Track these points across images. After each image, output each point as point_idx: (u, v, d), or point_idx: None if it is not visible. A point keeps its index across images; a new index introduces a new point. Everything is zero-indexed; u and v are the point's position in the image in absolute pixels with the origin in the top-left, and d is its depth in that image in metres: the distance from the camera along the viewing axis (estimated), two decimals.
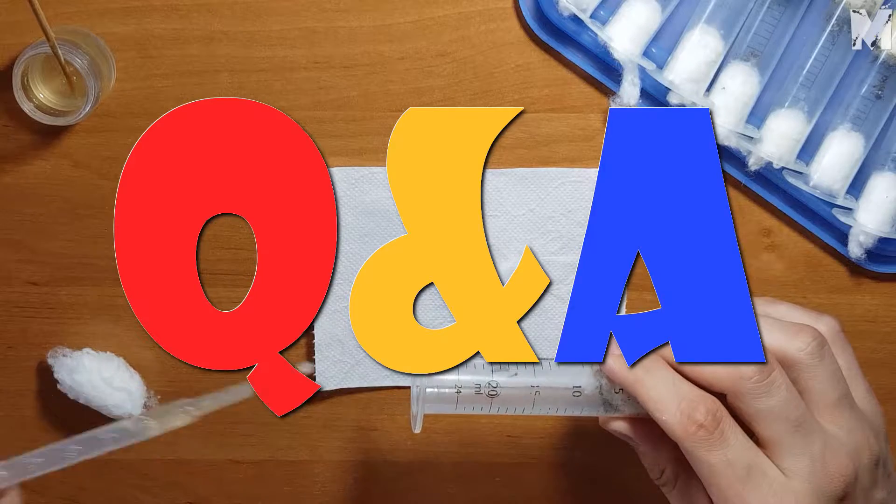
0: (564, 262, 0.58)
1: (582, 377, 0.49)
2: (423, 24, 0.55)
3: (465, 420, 0.61)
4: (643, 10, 0.53)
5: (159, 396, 0.60)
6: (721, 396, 0.45)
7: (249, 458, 0.61)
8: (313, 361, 0.59)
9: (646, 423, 0.48)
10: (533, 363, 0.50)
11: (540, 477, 0.62)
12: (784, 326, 0.47)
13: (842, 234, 0.57)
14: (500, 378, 0.49)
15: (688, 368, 0.46)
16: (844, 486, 0.44)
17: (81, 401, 0.58)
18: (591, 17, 0.53)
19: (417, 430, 0.49)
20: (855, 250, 0.56)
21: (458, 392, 0.48)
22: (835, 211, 0.55)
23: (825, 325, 0.49)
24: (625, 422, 0.49)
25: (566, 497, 0.62)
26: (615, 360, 0.48)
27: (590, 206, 0.57)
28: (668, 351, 0.47)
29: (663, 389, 0.45)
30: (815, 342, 0.46)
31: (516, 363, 0.49)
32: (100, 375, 0.57)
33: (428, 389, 0.48)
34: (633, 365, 0.47)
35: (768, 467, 0.44)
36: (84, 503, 0.62)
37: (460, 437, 0.61)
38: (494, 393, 0.48)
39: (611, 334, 0.49)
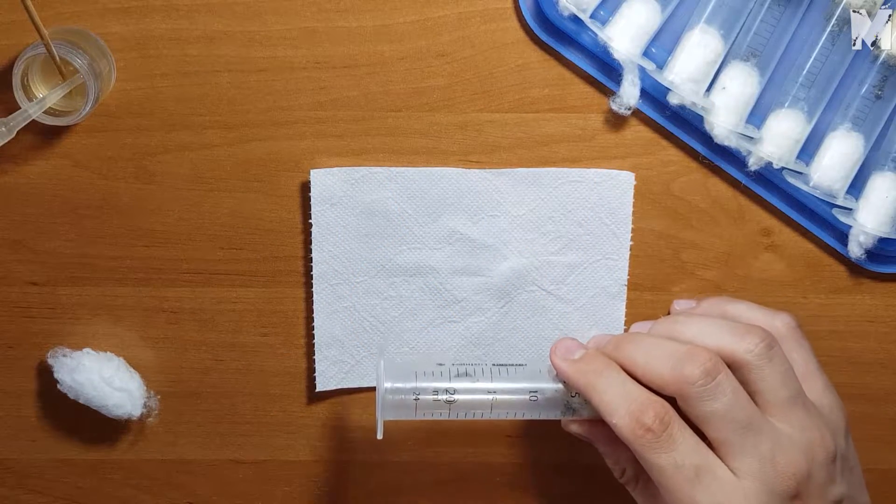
0: (564, 262, 0.58)
1: (539, 382, 0.50)
2: (423, 24, 0.54)
3: (464, 420, 0.61)
4: (643, 10, 0.53)
5: (159, 396, 0.60)
6: (673, 400, 0.46)
7: (249, 458, 0.61)
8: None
9: (604, 424, 0.48)
10: (492, 368, 0.51)
11: (540, 477, 0.62)
12: (732, 328, 0.47)
13: (842, 234, 0.57)
14: (459, 384, 0.50)
15: (639, 372, 0.47)
16: (796, 484, 0.44)
17: (81, 401, 0.58)
18: (591, 17, 0.53)
19: (380, 437, 0.50)
20: (855, 250, 0.56)
21: (416, 399, 0.49)
22: (835, 211, 0.55)
23: (781, 322, 0.49)
24: (583, 424, 0.50)
25: (566, 497, 0.62)
26: (568, 364, 0.48)
27: (589, 206, 0.57)
28: (621, 354, 0.48)
29: (614, 393, 0.46)
30: (763, 343, 0.46)
31: (475, 369, 0.50)
32: (100, 375, 0.57)
33: (387, 396, 0.49)
34: (586, 368, 0.48)
35: (718, 468, 0.44)
36: (84, 503, 0.62)
37: (460, 437, 0.61)
38: (452, 399, 0.49)
39: (563, 338, 0.50)
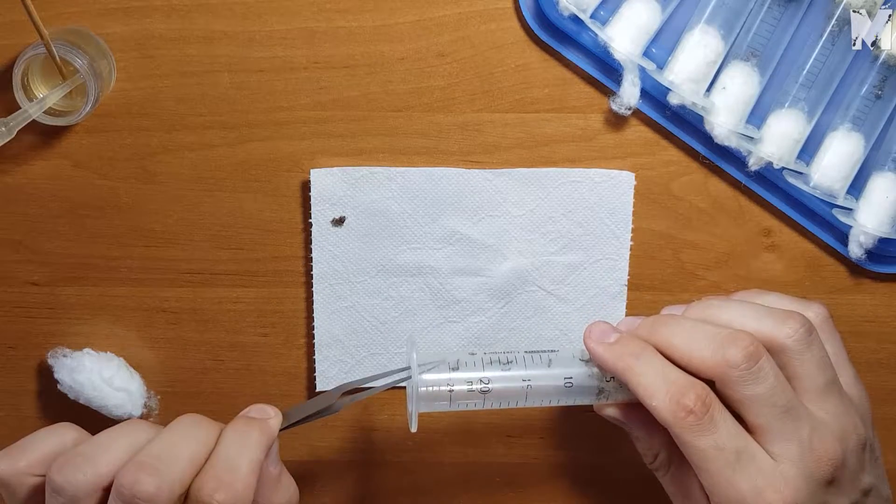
0: (564, 262, 0.58)
1: (573, 367, 0.49)
2: (423, 24, 0.54)
3: (464, 420, 0.61)
4: (643, 10, 0.53)
5: (159, 397, 0.60)
6: (710, 383, 0.45)
7: None
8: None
9: (639, 407, 0.48)
10: (525, 355, 0.50)
11: (540, 477, 0.62)
12: (772, 313, 0.47)
13: (842, 234, 0.57)
14: (492, 373, 0.49)
15: (676, 355, 0.46)
16: (833, 470, 0.45)
17: (82, 401, 0.58)
18: (591, 17, 0.53)
19: (414, 429, 0.49)
20: (855, 250, 0.56)
21: (451, 390, 0.48)
22: (835, 211, 0.55)
23: (814, 312, 0.49)
24: (618, 408, 0.50)
25: (566, 497, 0.62)
26: (604, 348, 0.48)
27: (589, 206, 0.57)
28: (657, 336, 0.47)
29: (653, 376, 0.46)
30: (804, 329, 0.46)
31: (508, 357, 0.50)
32: (100, 375, 0.57)
33: (421, 388, 0.48)
34: (622, 351, 0.47)
35: (758, 452, 0.44)
36: None
37: (460, 437, 0.61)
38: (487, 390, 0.49)
39: (595, 322, 0.49)
